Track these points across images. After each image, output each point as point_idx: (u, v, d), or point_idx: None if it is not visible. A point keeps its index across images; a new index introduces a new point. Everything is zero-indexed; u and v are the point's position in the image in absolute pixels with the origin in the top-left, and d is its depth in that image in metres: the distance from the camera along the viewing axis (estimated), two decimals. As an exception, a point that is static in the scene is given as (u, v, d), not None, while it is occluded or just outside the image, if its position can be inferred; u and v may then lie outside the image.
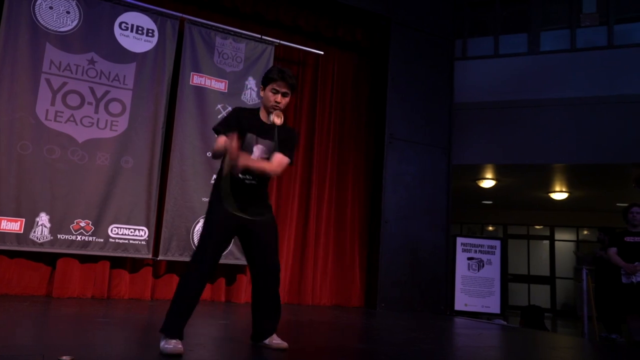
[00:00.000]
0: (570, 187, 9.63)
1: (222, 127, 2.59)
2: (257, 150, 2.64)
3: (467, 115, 7.26)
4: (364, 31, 6.61)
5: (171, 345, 2.38)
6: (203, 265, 2.54)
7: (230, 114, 2.70)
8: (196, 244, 2.65)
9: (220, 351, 2.80)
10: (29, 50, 4.83)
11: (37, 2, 4.92)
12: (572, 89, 7.12)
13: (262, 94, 2.72)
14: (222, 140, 2.49)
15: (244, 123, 2.62)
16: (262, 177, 2.66)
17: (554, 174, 8.58)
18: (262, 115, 2.72)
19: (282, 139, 2.66)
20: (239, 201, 2.61)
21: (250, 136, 2.62)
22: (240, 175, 2.59)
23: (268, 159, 2.65)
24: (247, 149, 2.60)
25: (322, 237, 6.18)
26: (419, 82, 6.57)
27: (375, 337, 3.91)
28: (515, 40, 7.83)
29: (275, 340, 2.68)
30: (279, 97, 2.66)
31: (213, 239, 2.57)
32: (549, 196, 10.21)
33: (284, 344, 2.67)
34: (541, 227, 13.20)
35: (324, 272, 6.15)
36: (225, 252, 2.96)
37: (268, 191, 2.83)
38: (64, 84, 4.94)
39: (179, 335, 2.44)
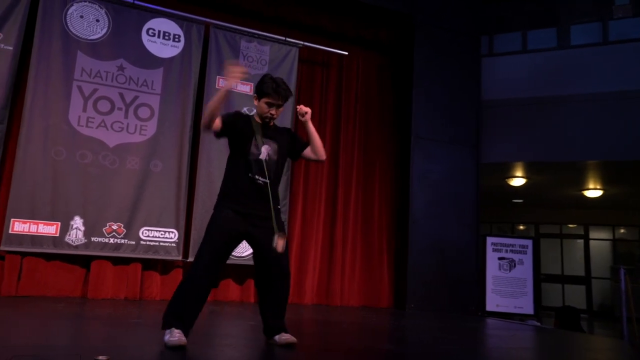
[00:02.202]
0: (605, 185, 9.33)
1: (222, 116, 2.71)
2: (265, 149, 2.72)
3: (495, 113, 7.13)
4: (387, 30, 6.56)
5: (175, 338, 2.43)
6: (205, 269, 2.58)
7: (229, 112, 2.81)
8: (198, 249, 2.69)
9: (249, 352, 2.81)
10: (62, 59, 4.97)
11: (69, 12, 5.06)
12: (605, 83, 6.90)
13: (255, 102, 2.79)
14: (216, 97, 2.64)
15: (244, 125, 2.73)
16: (273, 177, 2.72)
17: (587, 171, 8.33)
18: (257, 119, 2.81)
19: (291, 139, 2.86)
20: (247, 203, 2.65)
21: (256, 137, 2.71)
22: (250, 175, 2.67)
23: (277, 160, 2.75)
24: (255, 148, 2.69)
25: (350, 238, 6.16)
26: (444, 80, 6.48)
27: (404, 338, 3.86)
28: (544, 35, 7.65)
29: (283, 337, 2.70)
30: (273, 110, 2.74)
31: (212, 246, 2.61)
32: (583, 194, 9.92)
33: (292, 339, 2.68)
34: (575, 225, 12.84)
35: (352, 273, 6.12)
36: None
37: (278, 193, 2.84)
38: (95, 90, 5.07)
39: (180, 327, 2.47)
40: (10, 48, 4.76)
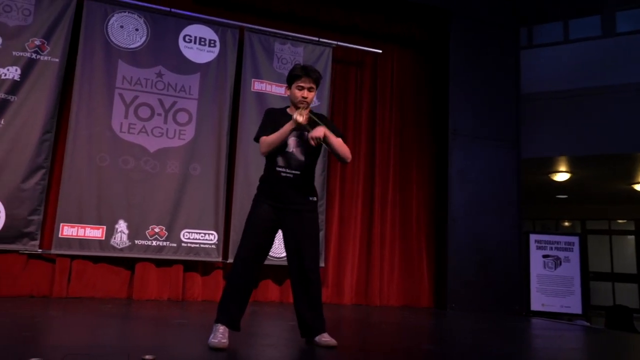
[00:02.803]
0: (657, 177, 8.89)
1: (264, 132, 2.75)
2: (292, 141, 2.75)
3: (536, 106, 6.91)
4: (421, 26, 6.47)
5: (217, 339, 2.51)
6: (242, 263, 2.67)
7: (264, 118, 2.83)
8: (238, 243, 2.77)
9: (290, 352, 2.83)
10: (104, 68, 5.15)
11: (109, 23, 5.24)
12: (655, 71, 6.57)
13: (287, 93, 2.84)
14: (272, 135, 2.68)
15: (277, 121, 2.75)
16: (303, 170, 2.75)
17: (637, 164, 7.96)
18: (291, 111, 2.82)
19: (326, 126, 2.75)
20: (278, 194, 2.72)
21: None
22: (278, 168, 2.72)
23: (306, 150, 2.74)
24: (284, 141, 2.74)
25: (388, 237, 6.10)
26: (482, 75, 6.32)
27: (447, 339, 3.79)
28: (587, 24, 7.35)
29: (324, 338, 2.70)
30: (305, 93, 2.75)
31: (249, 241, 2.69)
32: (633, 187, 9.48)
33: (332, 342, 2.68)
34: (624, 221, 12.28)
35: (391, 272, 6.06)
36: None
37: (313, 186, 2.86)
38: (136, 97, 5.23)
39: (228, 323, 2.58)
40: (57, 60, 4.97)
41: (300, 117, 2.60)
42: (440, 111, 6.42)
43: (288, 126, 2.66)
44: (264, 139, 2.73)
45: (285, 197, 2.72)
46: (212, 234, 5.26)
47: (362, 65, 6.40)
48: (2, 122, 4.72)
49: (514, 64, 6.52)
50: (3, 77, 4.76)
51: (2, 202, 4.64)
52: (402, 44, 6.58)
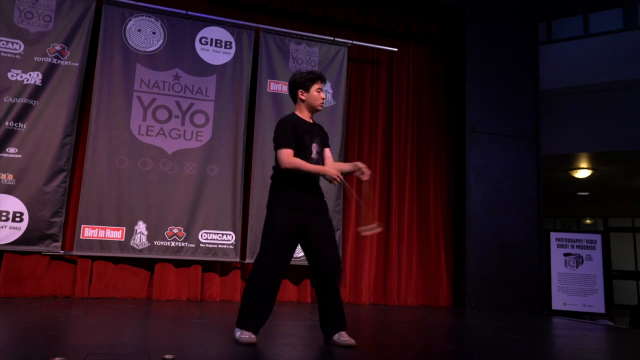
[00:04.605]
0: (682, 173, 8.65)
1: (288, 141, 2.76)
2: (314, 148, 2.87)
3: (556, 102, 6.79)
4: (438, 23, 6.42)
5: (246, 335, 2.59)
6: (268, 271, 2.66)
7: (285, 127, 2.80)
8: (259, 247, 2.76)
9: (309, 352, 2.83)
10: (122, 71, 5.23)
11: (127, 26, 5.32)
12: (679, 64, 6.41)
13: (303, 96, 2.88)
14: (306, 164, 2.74)
15: (298, 129, 2.81)
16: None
17: (661, 160, 7.75)
18: (303, 116, 2.90)
19: (324, 136, 3.00)
20: (301, 198, 2.76)
21: (306, 137, 2.83)
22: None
23: (321, 156, 2.93)
24: (307, 148, 2.82)
25: (405, 236, 6.07)
26: (500, 72, 6.25)
27: (467, 338, 3.75)
28: (608, 17, 7.20)
29: (343, 337, 2.71)
30: (322, 94, 2.92)
31: (272, 245, 2.68)
32: (657, 184, 9.26)
33: (351, 341, 2.69)
34: (648, 218, 11.99)
35: (409, 272, 6.03)
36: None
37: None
38: (153, 100, 5.29)
39: (251, 329, 2.63)
40: (77, 65, 5.06)
41: (336, 181, 2.74)
42: (458, 108, 6.37)
43: (322, 171, 2.73)
44: (293, 157, 2.71)
45: (313, 199, 2.80)
46: (229, 234, 5.30)
47: (378, 64, 6.37)
48: (24, 126, 4.83)
49: (533, 59, 6.43)
50: (25, 82, 4.87)
51: (25, 205, 4.75)
52: (418, 42, 6.54)
